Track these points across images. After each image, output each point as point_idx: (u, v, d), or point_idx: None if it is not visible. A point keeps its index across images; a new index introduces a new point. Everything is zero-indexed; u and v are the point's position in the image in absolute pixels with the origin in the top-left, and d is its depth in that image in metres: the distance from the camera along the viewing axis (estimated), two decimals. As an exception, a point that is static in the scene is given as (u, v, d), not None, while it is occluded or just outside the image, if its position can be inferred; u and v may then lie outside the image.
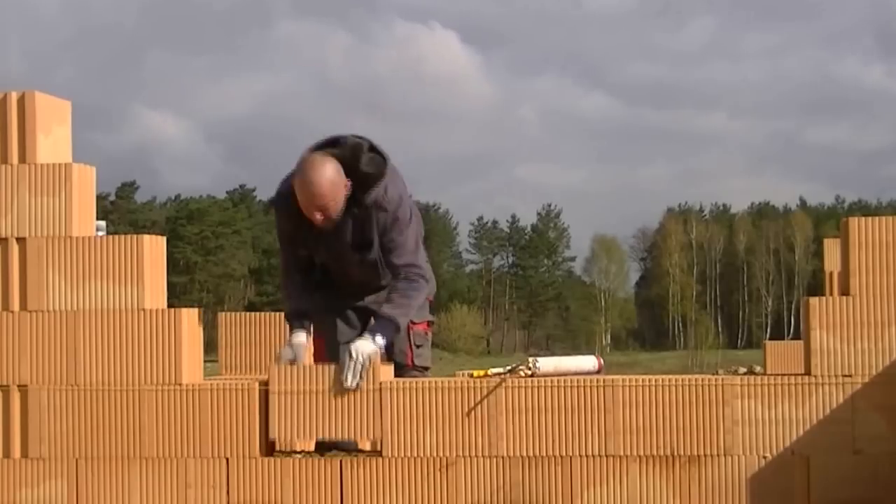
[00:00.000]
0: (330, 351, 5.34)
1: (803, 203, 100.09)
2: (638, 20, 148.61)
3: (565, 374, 4.99)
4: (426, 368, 5.59)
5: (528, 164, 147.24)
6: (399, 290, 5.31)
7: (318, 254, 5.43)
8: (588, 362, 5.20)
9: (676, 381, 4.82)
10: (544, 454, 4.83)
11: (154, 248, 5.09)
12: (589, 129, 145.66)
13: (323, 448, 5.09)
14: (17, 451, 5.04)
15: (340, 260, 5.41)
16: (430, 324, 5.67)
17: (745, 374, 5.08)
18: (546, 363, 5.06)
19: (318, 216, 5.20)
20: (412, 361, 5.50)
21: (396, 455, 4.89)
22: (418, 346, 5.56)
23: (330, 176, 5.17)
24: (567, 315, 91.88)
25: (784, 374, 4.87)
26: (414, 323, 5.48)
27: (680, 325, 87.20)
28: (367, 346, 4.98)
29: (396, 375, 5.11)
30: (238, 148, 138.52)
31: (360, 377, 4.91)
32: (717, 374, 5.08)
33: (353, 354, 4.93)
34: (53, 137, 5.14)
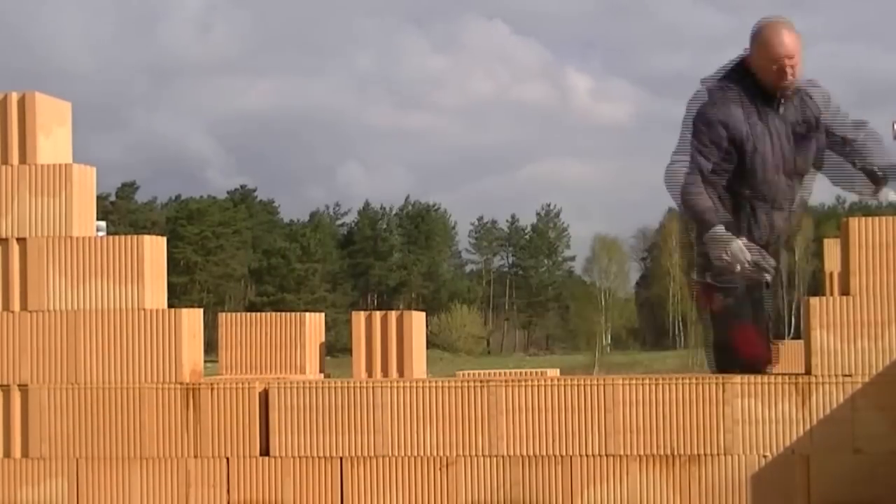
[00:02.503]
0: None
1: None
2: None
3: None
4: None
5: (552, 160, 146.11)
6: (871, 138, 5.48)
7: (754, 158, 5.31)
8: None
9: (677, 380, 4.82)
10: (544, 453, 4.83)
11: (154, 248, 5.09)
12: (614, 121, 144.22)
13: None
14: (17, 450, 5.05)
15: (775, 166, 5.35)
16: None
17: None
18: None
19: (790, 72, 5.24)
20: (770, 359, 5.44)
21: (396, 455, 4.89)
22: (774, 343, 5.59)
23: (794, 29, 5.27)
24: (567, 315, 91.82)
25: (784, 374, 4.87)
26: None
27: (680, 325, 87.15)
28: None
29: None
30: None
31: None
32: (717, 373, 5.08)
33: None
34: (54, 138, 5.14)
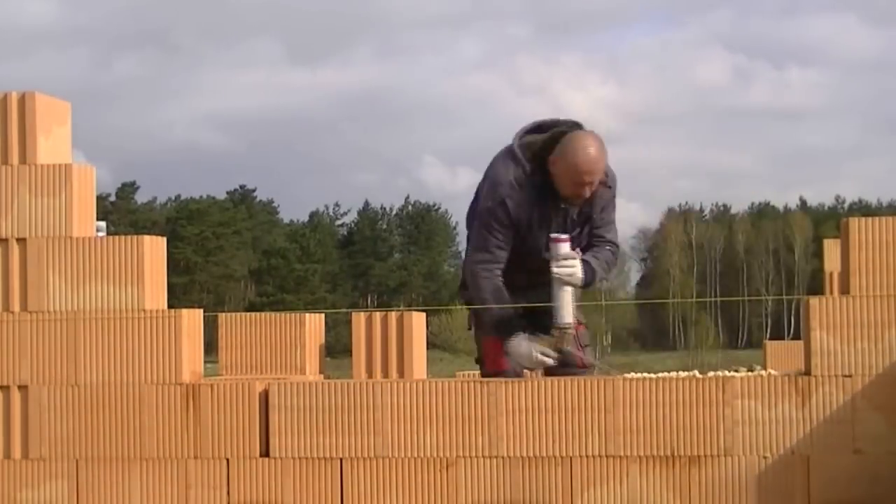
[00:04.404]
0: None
1: (803, 203, 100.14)
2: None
3: None
4: (593, 366, 5.69)
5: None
6: (602, 256, 5.48)
7: (533, 242, 5.42)
8: None
9: (677, 380, 4.82)
10: (544, 454, 4.83)
11: (154, 248, 5.09)
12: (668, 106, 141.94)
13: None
14: (17, 451, 5.05)
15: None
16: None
17: (745, 373, 5.08)
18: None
19: (587, 190, 5.35)
20: (582, 362, 5.55)
21: (396, 455, 4.89)
22: (586, 346, 5.66)
23: (604, 149, 5.35)
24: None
25: (784, 374, 4.87)
26: (580, 323, 5.56)
27: (680, 325, 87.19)
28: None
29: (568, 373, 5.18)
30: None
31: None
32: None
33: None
34: (53, 138, 5.14)
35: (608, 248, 5.58)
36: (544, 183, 5.41)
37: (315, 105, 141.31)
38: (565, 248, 5.22)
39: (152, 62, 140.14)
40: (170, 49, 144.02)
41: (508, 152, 5.48)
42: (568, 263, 5.20)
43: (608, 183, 5.51)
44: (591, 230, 5.56)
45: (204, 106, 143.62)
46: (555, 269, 5.16)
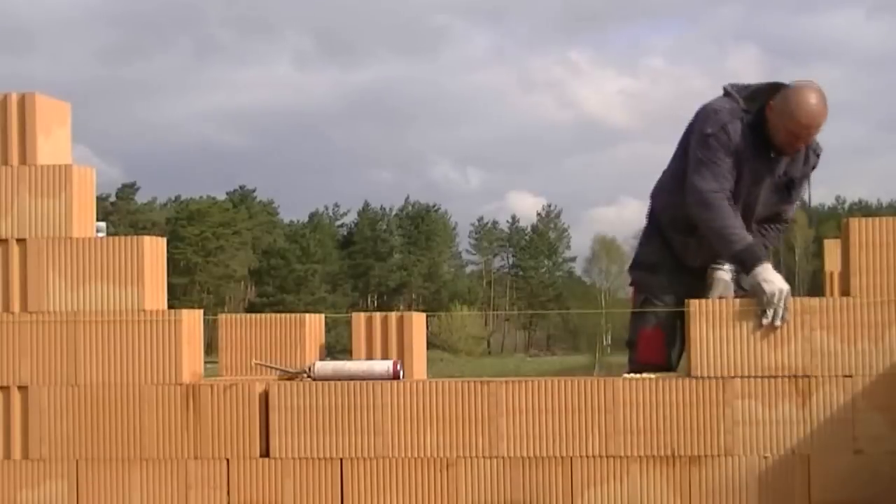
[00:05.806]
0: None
1: (803, 203, 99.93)
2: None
3: (350, 378, 4.97)
4: None
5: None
6: (769, 241, 5.59)
7: (738, 189, 5.31)
8: (381, 367, 5.08)
9: (677, 380, 4.82)
10: (545, 455, 4.83)
11: (154, 249, 5.09)
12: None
13: None
14: (17, 451, 5.05)
15: (749, 206, 5.41)
16: None
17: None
18: (325, 367, 5.06)
19: (801, 144, 5.27)
20: None
21: (396, 455, 4.89)
22: None
23: (826, 107, 5.19)
24: (567, 316, 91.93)
25: (784, 375, 4.87)
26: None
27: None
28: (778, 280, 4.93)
29: None
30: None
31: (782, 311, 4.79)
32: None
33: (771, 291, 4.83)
34: (54, 139, 5.14)
35: (779, 228, 5.69)
36: (757, 126, 5.27)
37: (317, 103, 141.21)
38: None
39: (155, 59, 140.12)
40: (173, 46, 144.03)
41: (723, 93, 5.39)
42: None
43: (817, 151, 5.44)
44: (779, 203, 5.54)
45: (206, 103, 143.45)
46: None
